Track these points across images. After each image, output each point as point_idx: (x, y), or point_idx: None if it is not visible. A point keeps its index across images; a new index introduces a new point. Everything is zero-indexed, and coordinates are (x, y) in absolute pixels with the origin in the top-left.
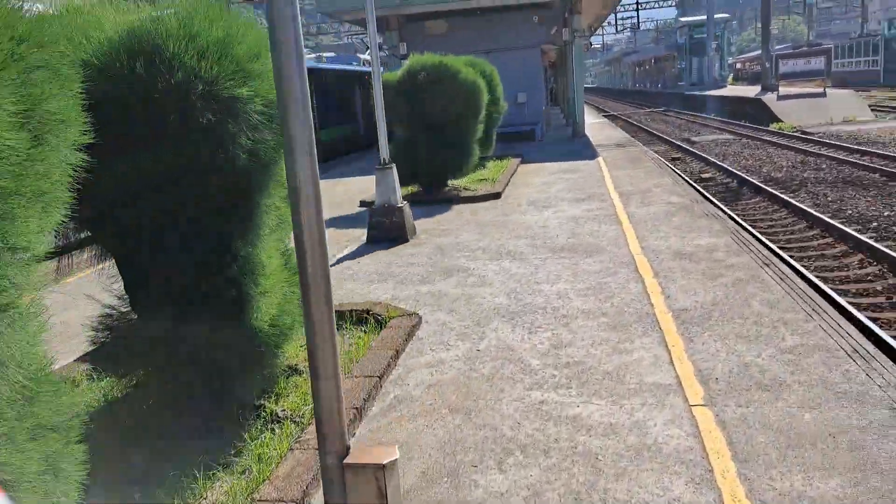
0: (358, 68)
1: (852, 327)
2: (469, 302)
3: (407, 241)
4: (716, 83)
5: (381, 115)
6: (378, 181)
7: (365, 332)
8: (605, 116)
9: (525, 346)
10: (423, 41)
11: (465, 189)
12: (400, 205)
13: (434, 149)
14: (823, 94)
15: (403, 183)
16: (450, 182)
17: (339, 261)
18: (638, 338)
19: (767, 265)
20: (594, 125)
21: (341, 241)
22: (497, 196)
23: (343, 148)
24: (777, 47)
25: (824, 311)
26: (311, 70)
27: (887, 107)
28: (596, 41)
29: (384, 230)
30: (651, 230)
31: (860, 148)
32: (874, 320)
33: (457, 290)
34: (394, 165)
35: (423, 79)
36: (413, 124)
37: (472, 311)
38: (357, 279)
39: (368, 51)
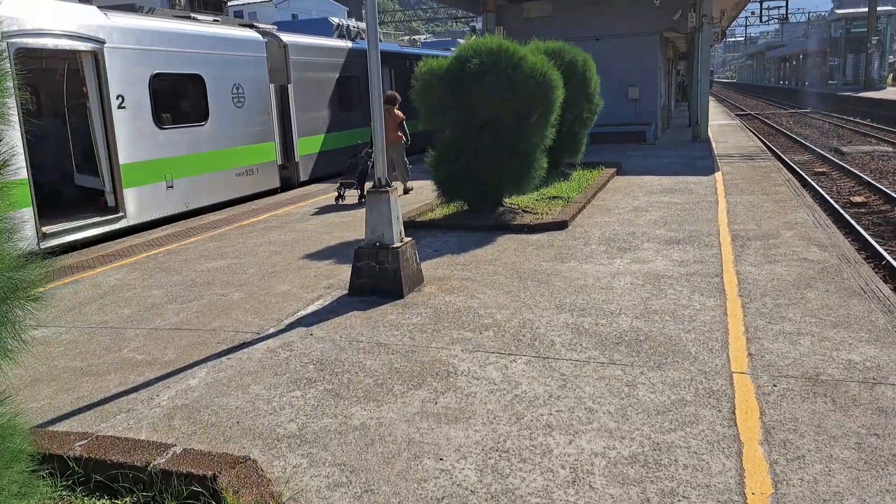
0: (416, 50)
1: None
2: (409, 470)
3: (401, 296)
4: (873, 84)
5: (378, 111)
6: (369, 209)
7: None
8: (740, 116)
9: None
10: (524, 25)
11: (524, 211)
12: (396, 245)
13: (486, 157)
14: None
15: (447, 199)
16: (506, 201)
17: (290, 326)
18: None
19: None
20: (725, 128)
21: (321, 285)
22: (562, 226)
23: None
24: None
25: None
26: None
27: None
28: (739, 32)
29: (372, 278)
30: (771, 317)
31: None
32: None
33: (407, 427)
34: (392, 189)
35: (475, 67)
36: (460, 124)
37: (399, 500)
38: (280, 373)
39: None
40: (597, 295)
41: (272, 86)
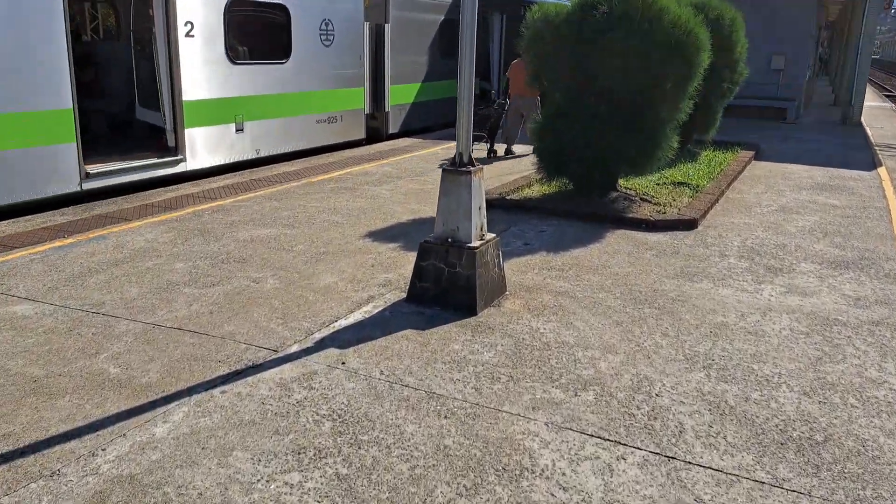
0: None
1: None
2: None
3: (474, 312)
4: None
5: (469, 58)
6: (443, 192)
7: None
8: (889, 98)
9: None
10: None
11: (643, 199)
12: (474, 245)
13: (602, 130)
14: None
15: (549, 176)
16: (622, 183)
17: (321, 344)
18: None
19: None
20: (875, 110)
21: (375, 281)
22: (691, 225)
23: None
24: None
25: None
26: None
27: None
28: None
29: (438, 284)
30: None
31: None
32: None
33: None
34: (476, 169)
35: (601, 17)
36: (574, 88)
37: None
38: (283, 431)
39: None
40: (742, 343)
41: (367, 24)
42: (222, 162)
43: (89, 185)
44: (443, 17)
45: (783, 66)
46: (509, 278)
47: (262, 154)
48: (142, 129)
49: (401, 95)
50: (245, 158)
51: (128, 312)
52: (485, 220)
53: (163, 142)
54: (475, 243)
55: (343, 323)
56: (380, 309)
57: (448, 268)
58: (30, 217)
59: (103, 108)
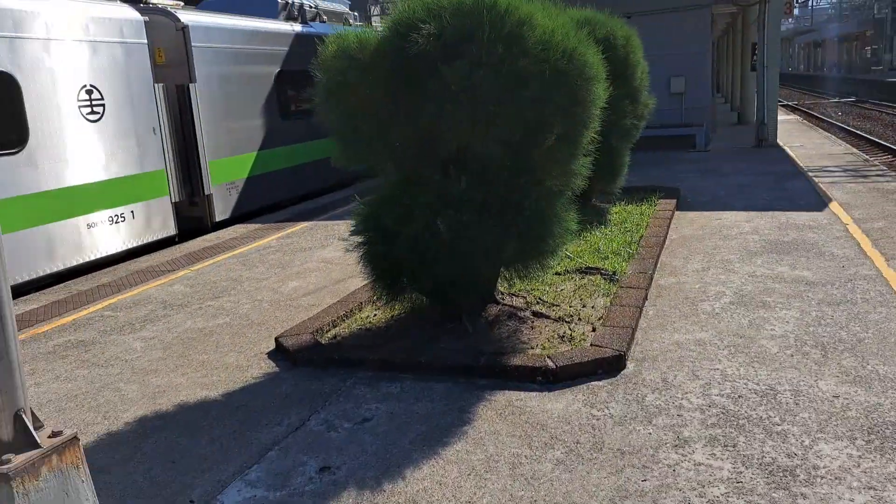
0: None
1: None
2: None
3: None
4: None
5: None
6: None
7: None
8: (788, 108)
9: None
10: None
11: (536, 313)
12: None
13: (458, 216)
14: None
15: (388, 295)
16: (503, 289)
17: None
18: None
19: None
20: (781, 125)
21: None
22: (616, 364)
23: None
24: None
25: None
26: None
27: None
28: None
29: None
30: None
31: None
32: None
33: None
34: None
35: (429, 43)
36: (412, 158)
37: None
38: None
39: None
40: None
41: (160, 86)
42: None
43: None
44: (278, 69)
45: (684, 89)
46: None
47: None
48: None
49: (228, 171)
50: None
51: None
52: None
53: None
54: None
55: None
56: None
57: None
58: None
59: None
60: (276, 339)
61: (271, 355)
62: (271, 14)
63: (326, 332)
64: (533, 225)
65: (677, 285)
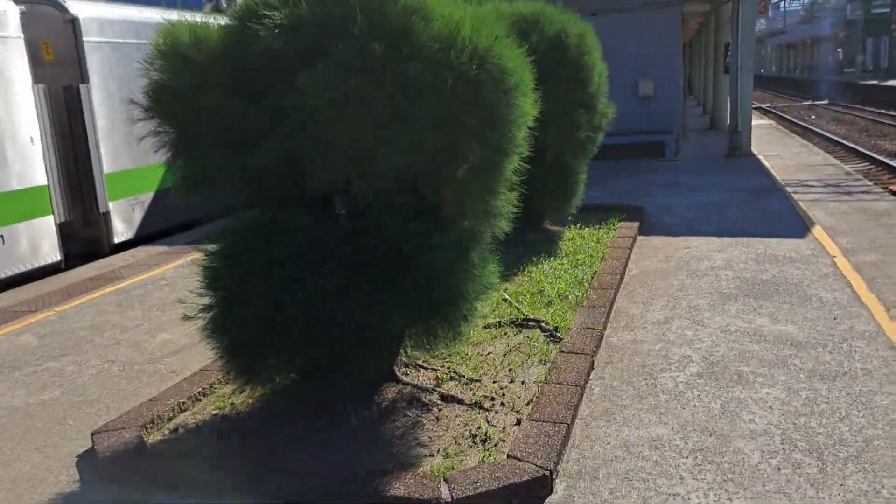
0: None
1: None
2: None
3: None
4: None
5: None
6: None
7: None
8: (762, 112)
9: None
10: None
11: (445, 397)
12: None
13: (338, 273)
14: None
15: (247, 376)
16: (404, 358)
17: None
18: None
19: None
20: (754, 130)
21: None
22: (536, 493)
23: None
24: None
25: None
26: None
27: None
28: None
29: None
30: None
31: None
32: None
33: None
34: None
35: (280, 36)
36: (271, 192)
37: None
38: None
39: None
40: None
41: (39, 88)
42: None
43: None
44: None
45: (652, 93)
46: None
47: None
48: None
49: (131, 185)
50: None
51: None
52: None
53: None
54: None
55: None
56: None
57: None
58: None
59: None
60: (92, 436)
61: (83, 459)
62: (196, 5)
63: (168, 420)
64: (435, 285)
65: (633, 345)
